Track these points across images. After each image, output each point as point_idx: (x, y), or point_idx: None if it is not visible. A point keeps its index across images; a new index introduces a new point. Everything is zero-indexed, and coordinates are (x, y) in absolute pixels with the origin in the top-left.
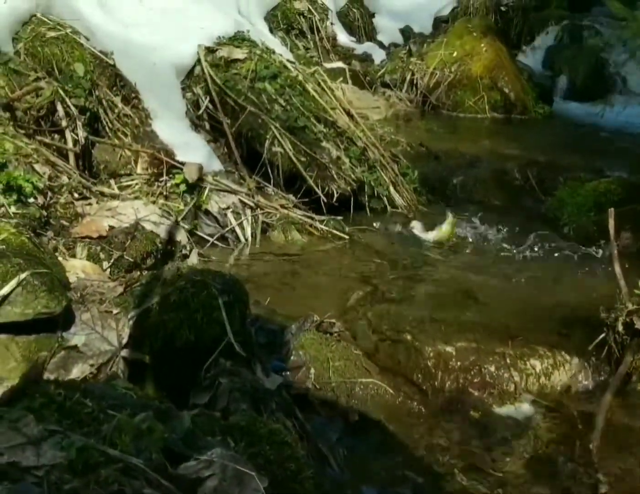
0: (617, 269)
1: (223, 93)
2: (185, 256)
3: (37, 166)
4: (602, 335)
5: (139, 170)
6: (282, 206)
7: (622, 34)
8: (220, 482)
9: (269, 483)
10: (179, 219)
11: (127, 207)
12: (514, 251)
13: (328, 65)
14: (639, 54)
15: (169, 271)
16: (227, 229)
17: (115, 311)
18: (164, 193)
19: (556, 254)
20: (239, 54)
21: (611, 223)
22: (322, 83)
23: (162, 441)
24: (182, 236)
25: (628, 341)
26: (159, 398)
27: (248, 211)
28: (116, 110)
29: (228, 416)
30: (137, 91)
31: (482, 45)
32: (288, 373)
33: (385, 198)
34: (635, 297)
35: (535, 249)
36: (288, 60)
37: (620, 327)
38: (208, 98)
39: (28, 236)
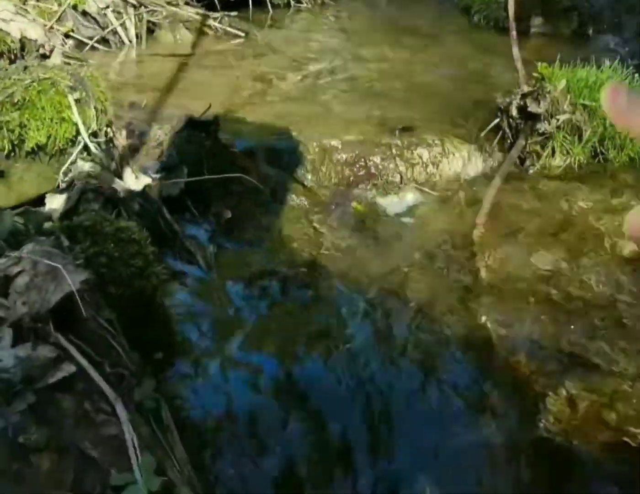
0: (515, 51)
1: None
2: (45, 56)
3: None
4: (496, 120)
5: None
6: (169, 3)
7: None
8: (32, 278)
9: (113, 280)
10: (53, 21)
11: None
12: (420, 50)
13: None
14: None
15: (14, 71)
16: (107, 30)
17: None
18: None
19: (463, 44)
20: None
21: (510, 3)
22: None
23: None
24: (39, 35)
25: (522, 125)
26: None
27: (131, 10)
28: None
29: (74, 216)
30: None
31: None
32: (160, 174)
33: None
34: (532, 80)
35: (446, 42)
36: None
37: (514, 112)
38: None
39: None
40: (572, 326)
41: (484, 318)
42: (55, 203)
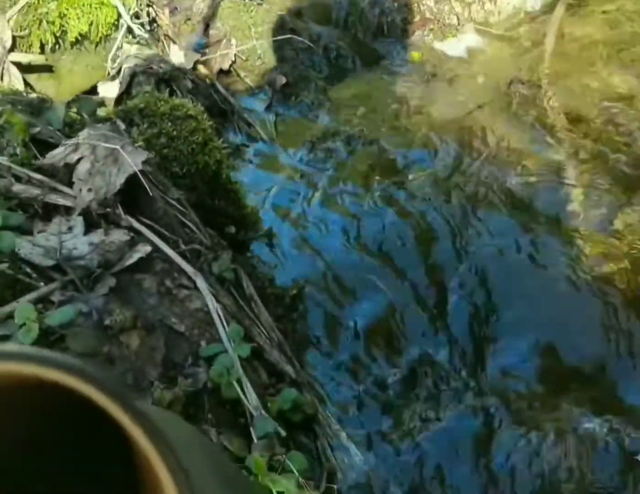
0: None
1: None
2: None
3: None
4: None
5: None
6: None
7: None
8: (93, 163)
9: (175, 159)
10: None
11: None
12: None
13: None
14: None
15: None
16: None
17: None
18: None
19: None
20: None
21: None
22: None
23: (25, 133)
24: None
25: None
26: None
27: None
28: None
29: (127, 100)
30: None
31: None
32: (208, 48)
33: None
34: None
35: None
36: None
37: None
38: None
39: None
40: None
41: (557, 155)
42: (107, 91)
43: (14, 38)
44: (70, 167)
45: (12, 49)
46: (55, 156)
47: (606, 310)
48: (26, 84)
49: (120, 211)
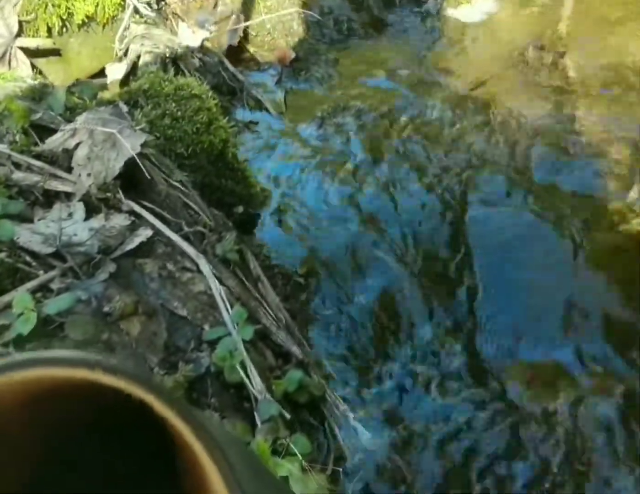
0: None
1: None
2: None
3: None
4: None
5: None
6: None
7: None
8: (91, 148)
9: (180, 139)
10: None
11: None
12: None
13: None
14: None
15: None
16: None
17: None
18: None
19: None
20: None
21: None
22: None
23: (25, 120)
24: None
25: None
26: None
27: None
28: None
29: (132, 81)
30: None
31: None
32: (216, 25)
33: None
34: None
35: None
36: None
37: None
38: None
39: None
40: None
41: (573, 120)
42: (115, 72)
43: (20, 23)
44: (69, 153)
45: (19, 34)
46: (54, 141)
47: None
48: (35, 68)
49: (120, 195)
